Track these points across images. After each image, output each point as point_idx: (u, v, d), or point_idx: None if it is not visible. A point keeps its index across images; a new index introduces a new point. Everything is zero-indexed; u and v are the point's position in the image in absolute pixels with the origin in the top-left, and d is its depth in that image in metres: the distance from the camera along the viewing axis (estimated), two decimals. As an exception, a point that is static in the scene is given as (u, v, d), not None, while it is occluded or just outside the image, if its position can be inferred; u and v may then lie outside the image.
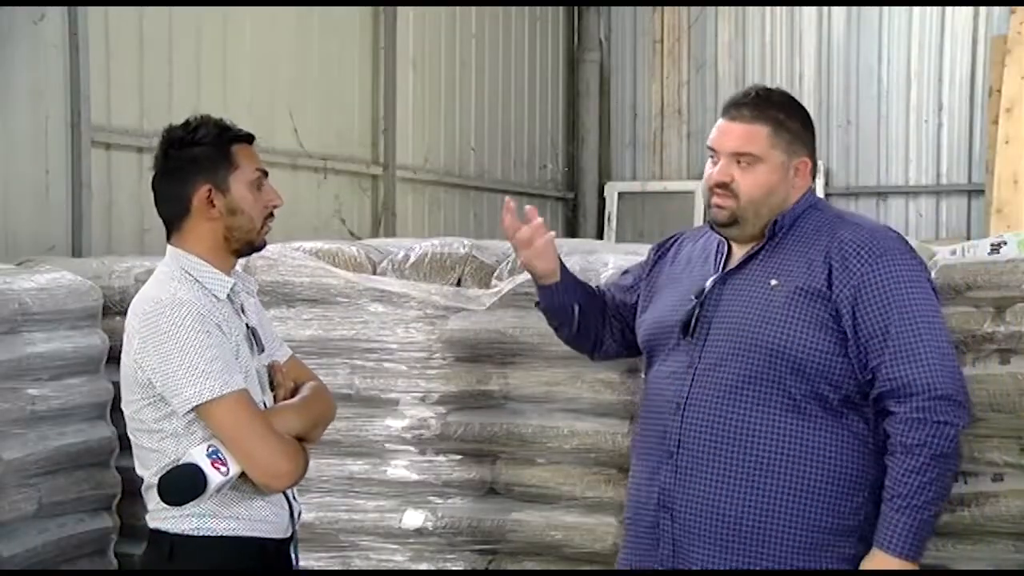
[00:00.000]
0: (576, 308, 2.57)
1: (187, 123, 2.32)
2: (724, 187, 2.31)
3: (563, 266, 2.59)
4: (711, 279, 2.36)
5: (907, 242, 2.36)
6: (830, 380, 2.24)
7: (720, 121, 2.37)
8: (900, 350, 2.18)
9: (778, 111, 2.34)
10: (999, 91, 7.07)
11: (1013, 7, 7.12)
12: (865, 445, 2.25)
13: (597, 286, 2.75)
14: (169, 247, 2.34)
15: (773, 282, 2.28)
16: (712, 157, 2.37)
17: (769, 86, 2.47)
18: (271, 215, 2.36)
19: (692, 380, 2.31)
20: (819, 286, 2.24)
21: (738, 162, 2.30)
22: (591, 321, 2.61)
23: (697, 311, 2.33)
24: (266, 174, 2.36)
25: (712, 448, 2.26)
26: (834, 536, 2.22)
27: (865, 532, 2.24)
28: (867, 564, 2.21)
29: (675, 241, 2.59)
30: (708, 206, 2.37)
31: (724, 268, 2.38)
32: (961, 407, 2.19)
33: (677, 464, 2.29)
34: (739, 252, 2.39)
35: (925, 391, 2.16)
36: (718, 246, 2.44)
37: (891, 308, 2.20)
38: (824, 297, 2.23)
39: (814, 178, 2.42)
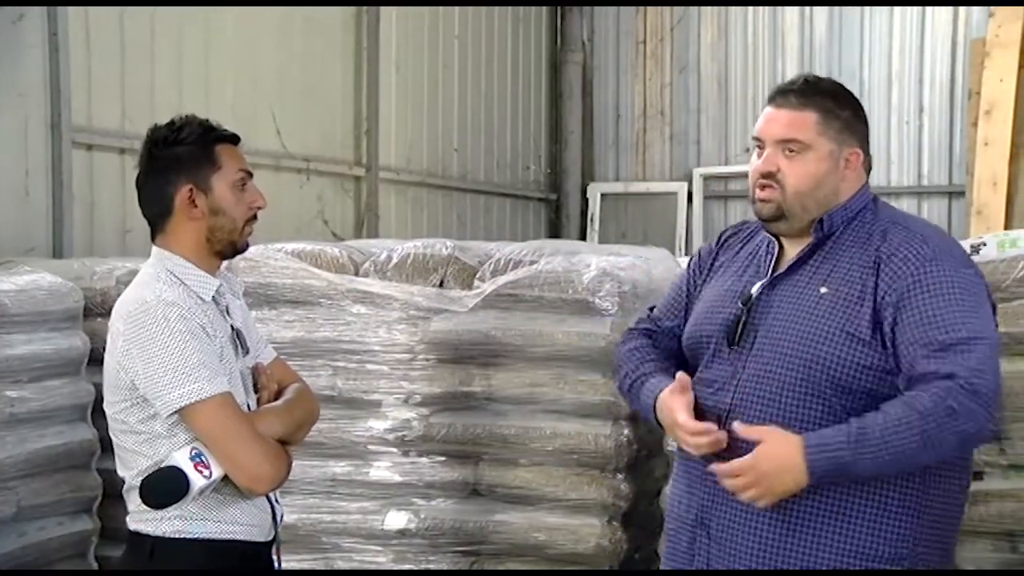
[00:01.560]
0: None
1: (172, 122, 2.32)
2: (770, 177, 2.17)
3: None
4: (759, 284, 2.21)
5: (960, 247, 2.20)
6: (875, 397, 2.07)
7: (767, 109, 2.23)
8: (943, 348, 2.00)
9: (827, 98, 2.19)
10: (978, 93, 7.11)
11: (991, 10, 7.16)
12: (913, 472, 2.08)
13: (647, 327, 2.46)
14: (154, 248, 2.33)
15: (823, 290, 2.13)
16: (758, 148, 2.23)
17: (819, 75, 2.31)
18: (254, 217, 2.35)
19: (734, 392, 2.16)
20: (866, 294, 2.09)
21: (785, 151, 2.17)
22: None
23: (744, 318, 2.18)
24: (250, 175, 2.35)
25: None
26: (879, 562, 2.07)
27: (915, 561, 2.08)
28: (768, 436, 2.01)
29: (734, 233, 2.40)
30: (753, 200, 2.22)
31: (773, 271, 2.22)
32: (985, 413, 1.98)
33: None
34: (791, 253, 2.22)
35: (962, 378, 1.97)
36: (768, 246, 2.27)
37: (938, 310, 2.03)
38: (869, 305, 2.08)
39: (868, 173, 2.26)
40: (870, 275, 2.11)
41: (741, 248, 2.35)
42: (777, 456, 2.01)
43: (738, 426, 2.07)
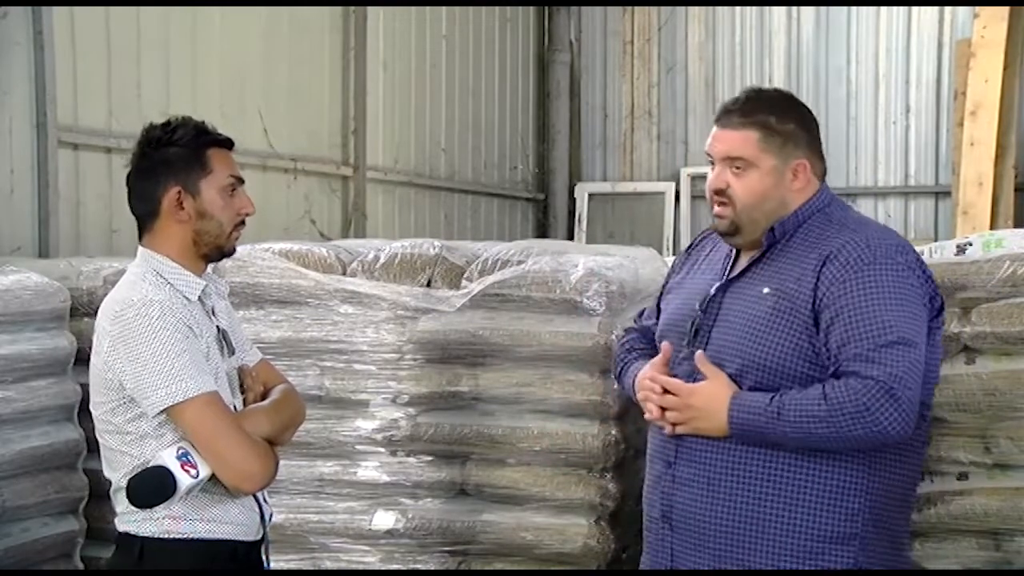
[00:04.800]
0: None
1: (167, 123, 2.32)
2: (721, 193, 2.30)
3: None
4: (715, 286, 2.34)
5: (908, 252, 2.25)
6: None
7: (713, 128, 2.35)
8: (871, 350, 2.11)
9: (768, 114, 2.29)
10: (964, 94, 7.15)
11: (976, 11, 7.20)
12: (860, 450, 2.19)
13: (637, 324, 2.66)
14: (140, 248, 2.33)
15: (765, 290, 2.25)
16: (710, 164, 2.35)
17: (762, 87, 2.42)
18: (242, 222, 2.35)
19: None
20: (805, 297, 2.20)
21: (732, 168, 2.28)
22: None
23: (699, 320, 2.30)
24: (241, 181, 2.35)
25: (706, 458, 2.24)
26: (830, 543, 2.18)
27: (865, 539, 2.19)
28: (713, 377, 2.20)
29: (702, 239, 2.54)
30: (712, 215, 2.35)
31: (729, 274, 2.35)
32: (900, 419, 2.09)
33: (675, 474, 2.28)
34: (745, 258, 2.35)
35: (883, 382, 2.09)
36: (728, 251, 2.39)
37: (871, 313, 2.13)
38: (807, 307, 2.19)
39: (823, 178, 2.34)
40: (812, 275, 2.21)
41: (708, 254, 2.47)
42: (710, 397, 2.20)
43: (699, 355, 2.25)
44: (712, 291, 2.33)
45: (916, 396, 2.13)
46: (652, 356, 2.43)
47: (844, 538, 2.19)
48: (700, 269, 2.45)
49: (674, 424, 2.26)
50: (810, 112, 2.37)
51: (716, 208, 2.32)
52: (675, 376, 2.32)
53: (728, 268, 2.37)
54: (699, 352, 2.25)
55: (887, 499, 2.24)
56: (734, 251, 2.38)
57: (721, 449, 2.22)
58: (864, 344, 2.12)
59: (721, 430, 2.19)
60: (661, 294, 2.57)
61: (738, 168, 2.28)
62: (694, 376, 2.27)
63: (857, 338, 2.13)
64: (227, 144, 2.34)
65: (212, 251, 2.32)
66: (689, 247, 2.57)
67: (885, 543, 2.25)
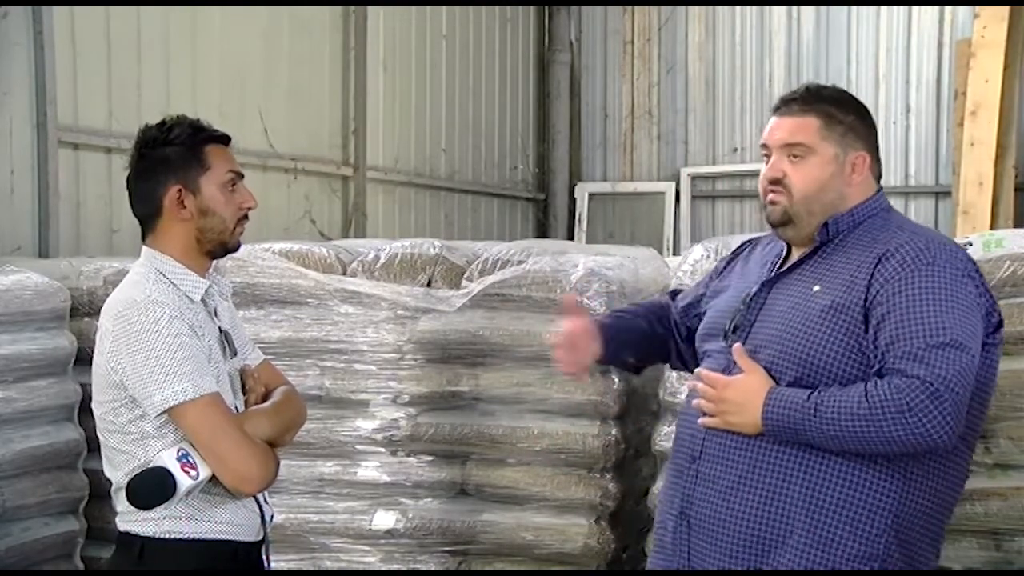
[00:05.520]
0: (632, 358, 2.50)
1: (162, 123, 2.32)
2: (777, 183, 2.24)
3: (606, 324, 2.47)
4: (760, 282, 2.29)
5: (968, 261, 2.18)
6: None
7: (772, 119, 2.31)
8: (921, 350, 2.03)
9: (828, 104, 2.26)
10: (964, 94, 7.14)
11: (976, 11, 7.20)
12: (893, 467, 2.12)
13: (670, 295, 2.64)
14: (144, 248, 2.33)
15: (815, 288, 2.19)
16: (765, 156, 2.30)
17: (821, 84, 2.38)
18: (245, 217, 2.35)
19: None
20: (857, 294, 2.13)
21: (789, 156, 2.23)
22: (655, 350, 2.54)
23: (741, 315, 2.26)
24: (241, 176, 2.35)
25: (732, 456, 2.18)
26: (853, 560, 2.11)
27: (887, 560, 2.11)
28: (750, 371, 2.14)
29: (754, 244, 2.49)
30: (763, 205, 2.29)
31: (777, 272, 2.30)
32: (944, 422, 2.00)
33: (698, 470, 2.22)
34: (795, 256, 2.28)
35: (929, 383, 2.01)
36: (779, 251, 2.34)
37: (924, 313, 2.07)
38: (858, 305, 2.13)
39: (879, 179, 2.31)
40: (866, 273, 2.15)
41: (756, 255, 2.43)
42: (745, 391, 2.14)
43: (737, 347, 2.18)
44: (756, 286, 2.28)
45: (963, 402, 2.04)
46: (637, 319, 2.48)
47: (866, 556, 2.12)
48: (747, 270, 2.40)
49: (706, 415, 2.19)
50: (869, 112, 2.33)
51: (770, 196, 2.25)
52: (709, 371, 2.25)
53: (777, 266, 2.31)
54: (737, 344, 2.18)
55: (915, 524, 2.16)
56: (785, 250, 2.32)
57: (749, 447, 2.16)
58: (914, 343, 2.04)
59: (754, 426, 2.12)
60: (702, 295, 2.50)
61: (796, 156, 2.23)
62: (728, 371, 2.21)
63: (906, 336, 2.05)
64: (224, 140, 2.34)
65: (216, 247, 2.32)
66: (735, 252, 2.51)
67: (905, 564, 2.16)
